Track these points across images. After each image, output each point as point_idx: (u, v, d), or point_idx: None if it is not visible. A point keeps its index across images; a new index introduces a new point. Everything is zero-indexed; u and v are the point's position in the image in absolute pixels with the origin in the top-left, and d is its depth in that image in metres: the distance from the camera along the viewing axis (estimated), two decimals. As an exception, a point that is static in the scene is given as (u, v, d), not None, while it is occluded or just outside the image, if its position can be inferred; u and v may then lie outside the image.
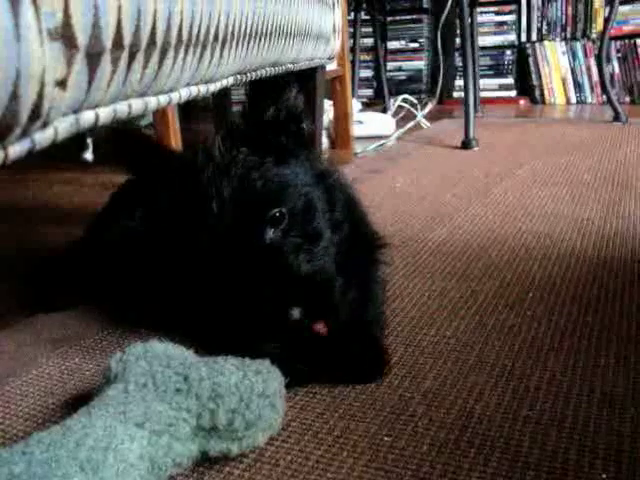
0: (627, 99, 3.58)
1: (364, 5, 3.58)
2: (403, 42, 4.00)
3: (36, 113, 0.36)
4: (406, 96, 3.15)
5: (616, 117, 2.83)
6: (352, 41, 3.45)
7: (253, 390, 0.65)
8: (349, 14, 3.26)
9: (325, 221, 0.82)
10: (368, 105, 3.61)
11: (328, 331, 0.76)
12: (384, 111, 3.20)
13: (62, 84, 0.37)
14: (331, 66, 1.82)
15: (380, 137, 2.63)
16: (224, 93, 2.25)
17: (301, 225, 0.79)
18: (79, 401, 0.72)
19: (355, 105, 2.85)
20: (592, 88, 3.68)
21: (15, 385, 0.80)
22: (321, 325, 0.76)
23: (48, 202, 1.82)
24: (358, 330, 0.81)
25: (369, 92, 4.05)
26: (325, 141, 2.45)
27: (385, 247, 0.91)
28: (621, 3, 3.01)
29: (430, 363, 0.81)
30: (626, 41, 3.56)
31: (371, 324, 0.85)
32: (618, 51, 3.59)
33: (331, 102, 2.45)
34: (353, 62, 3.45)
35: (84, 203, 1.68)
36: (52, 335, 0.94)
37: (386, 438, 0.67)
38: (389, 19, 3.98)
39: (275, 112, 0.80)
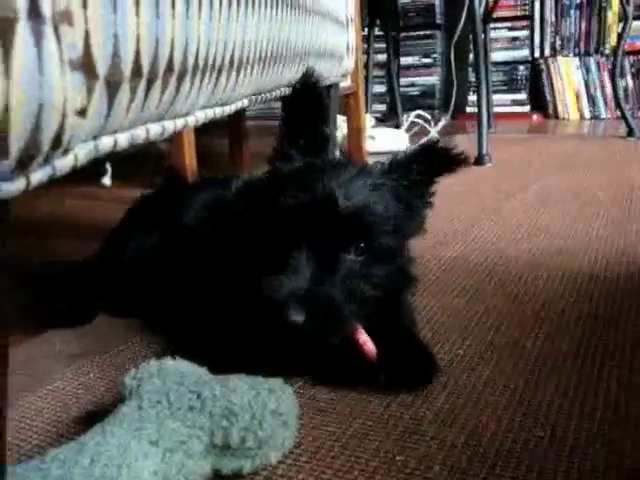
0: (641, 114, 3.58)
1: (378, 21, 3.60)
2: (416, 58, 4.01)
3: (57, 142, 0.37)
4: (419, 112, 3.16)
5: (630, 132, 2.83)
6: (366, 57, 3.47)
7: (266, 408, 0.65)
8: (363, 30, 3.28)
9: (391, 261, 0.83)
10: (381, 121, 3.62)
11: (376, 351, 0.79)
12: (397, 127, 3.21)
13: (82, 113, 0.38)
14: (345, 83, 1.83)
15: (393, 153, 2.63)
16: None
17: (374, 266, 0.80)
18: (93, 417, 0.72)
19: (368, 121, 2.86)
20: (606, 103, 3.68)
21: (29, 400, 0.81)
22: (370, 346, 0.79)
23: (63, 216, 1.84)
24: (407, 339, 0.85)
25: (382, 107, 4.06)
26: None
27: (416, 281, 0.91)
28: (635, 19, 3.01)
29: (442, 382, 0.81)
30: (640, 56, 3.57)
31: (416, 334, 0.89)
32: (632, 66, 3.59)
33: (344, 118, 2.46)
34: (367, 78, 3.46)
35: (99, 218, 1.69)
36: (66, 350, 0.95)
37: (398, 458, 0.67)
38: (402, 35, 4.00)
39: None
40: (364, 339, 0.79)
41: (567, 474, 0.63)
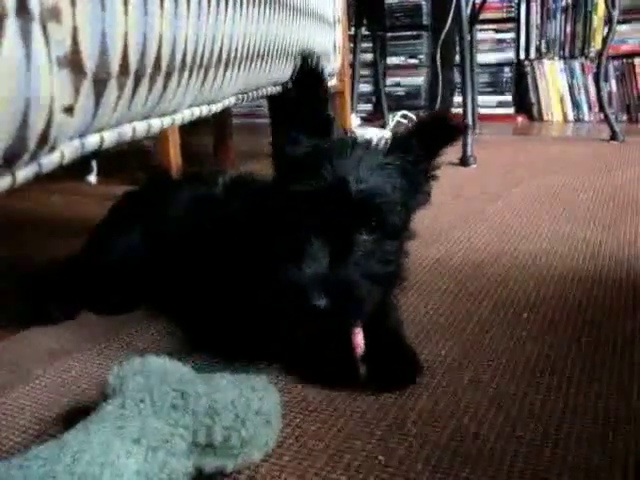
0: (624, 117, 3.60)
1: (365, 21, 3.60)
2: (402, 58, 4.01)
3: (44, 139, 0.36)
4: (405, 112, 3.17)
5: (613, 136, 2.84)
6: (352, 56, 3.47)
7: (249, 407, 0.65)
8: (350, 30, 3.28)
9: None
10: (367, 120, 3.63)
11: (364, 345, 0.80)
12: (383, 126, 3.21)
13: (69, 110, 0.38)
14: (331, 82, 1.83)
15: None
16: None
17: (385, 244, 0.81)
18: (76, 415, 0.72)
19: (354, 120, 2.86)
20: (590, 106, 3.70)
21: (12, 397, 0.81)
22: (360, 338, 0.79)
23: (46, 213, 1.82)
24: (393, 339, 0.86)
25: (368, 107, 4.06)
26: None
27: (405, 280, 0.92)
28: (619, 22, 3.03)
29: (425, 382, 0.82)
30: (624, 60, 3.58)
31: (402, 335, 0.90)
32: (616, 70, 3.61)
33: (330, 117, 2.46)
34: (353, 77, 3.46)
35: (82, 214, 1.69)
36: (49, 348, 0.94)
37: (380, 457, 0.67)
38: (389, 35, 4.00)
39: None
40: (359, 340, 0.79)
41: (547, 474, 0.63)
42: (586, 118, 3.71)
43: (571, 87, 3.72)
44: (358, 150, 0.81)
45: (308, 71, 0.82)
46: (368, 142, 0.83)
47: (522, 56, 3.83)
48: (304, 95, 0.83)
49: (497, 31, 3.86)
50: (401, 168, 0.82)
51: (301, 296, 0.72)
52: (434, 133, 0.84)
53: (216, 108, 0.67)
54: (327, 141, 0.83)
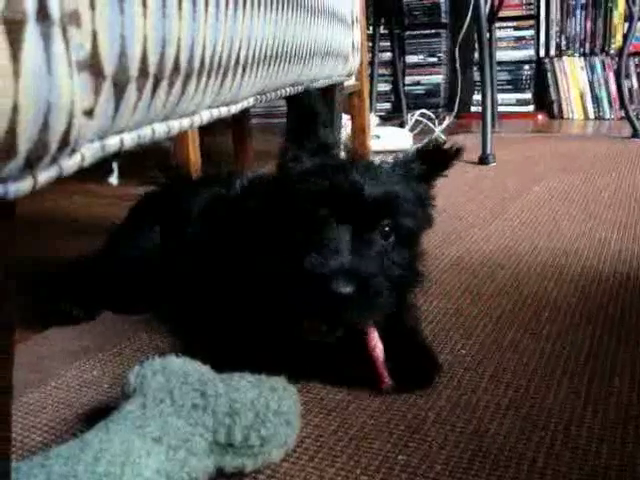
0: (646, 115, 3.57)
1: (383, 20, 3.60)
2: (421, 56, 4.01)
3: (65, 142, 0.37)
4: (424, 111, 3.15)
5: (634, 133, 2.82)
6: (371, 55, 3.46)
7: (269, 407, 0.66)
8: (368, 29, 3.27)
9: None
10: (386, 119, 3.62)
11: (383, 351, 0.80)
12: (402, 125, 3.20)
13: (89, 113, 0.39)
14: (349, 81, 1.82)
15: (398, 152, 2.63)
16: (243, 106, 2.26)
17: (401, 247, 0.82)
18: (96, 414, 0.73)
19: (373, 119, 2.86)
20: (610, 104, 3.67)
21: (33, 397, 0.81)
22: (379, 351, 0.80)
23: (66, 214, 1.84)
24: (411, 338, 0.86)
25: (387, 106, 4.06)
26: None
27: (423, 282, 0.92)
28: (640, 19, 3.00)
29: (445, 382, 0.82)
30: (645, 57, 3.56)
31: (420, 334, 0.91)
32: (637, 66, 3.58)
33: (349, 116, 2.46)
34: (371, 76, 3.46)
35: (102, 215, 1.70)
36: (70, 347, 0.95)
37: (400, 457, 0.67)
38: (407, 33, 4.00)
39: None
40: (375, 343, 0.79)
41: (569, 475, 0.63)
42: (607, 115, 3.69)
43: (592, 84, 3.70)
44: (363, 165, 0.84)
45: (306, 108, 0.89)
46: (371, 162, 0.88)
47: (542, 53, 3.81)
48: (302, 125, 0.88)
49: (516, 28, 3.84)
50: (407, 182, 0.85)
51: (326, 283, 0.73)
52: (431, 160, 0.88)
53: (235, 109, 0.68)
54: (331, 158, 0.87)
